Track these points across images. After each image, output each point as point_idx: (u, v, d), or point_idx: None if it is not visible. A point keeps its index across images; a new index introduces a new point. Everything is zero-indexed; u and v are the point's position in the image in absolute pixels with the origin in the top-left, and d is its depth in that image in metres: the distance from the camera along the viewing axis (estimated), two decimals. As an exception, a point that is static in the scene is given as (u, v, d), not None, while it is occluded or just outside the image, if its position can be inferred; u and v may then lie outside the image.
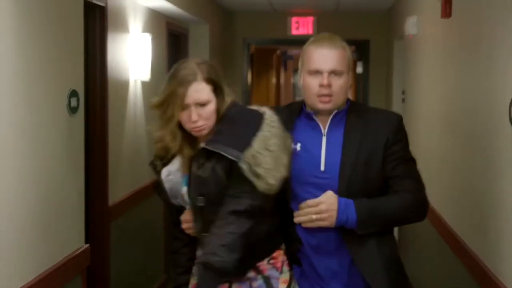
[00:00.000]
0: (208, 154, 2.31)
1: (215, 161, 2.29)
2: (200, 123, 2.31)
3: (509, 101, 2.74)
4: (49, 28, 3.01)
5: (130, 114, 4.87)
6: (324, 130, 2.54)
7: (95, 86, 4.23)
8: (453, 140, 3.95)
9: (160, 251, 5.91)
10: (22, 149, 2.76)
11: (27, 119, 2.81)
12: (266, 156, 2.26)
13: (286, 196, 2.51)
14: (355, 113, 2.55)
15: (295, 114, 2.58)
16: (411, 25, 5.58)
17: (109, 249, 4.41)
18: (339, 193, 2.45)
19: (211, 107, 2.32)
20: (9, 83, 2.64)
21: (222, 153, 2.26)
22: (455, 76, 3.94)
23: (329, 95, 2.48)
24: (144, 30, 5.15)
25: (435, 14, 4.40)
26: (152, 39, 5.21)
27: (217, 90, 2.34)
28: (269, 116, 2.35)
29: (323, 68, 2.47)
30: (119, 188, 4.61)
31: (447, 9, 4.04)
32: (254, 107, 2.42)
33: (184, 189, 2.44)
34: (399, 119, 2.56)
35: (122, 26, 4.72)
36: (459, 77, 3.83)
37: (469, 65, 3.58)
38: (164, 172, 2.47)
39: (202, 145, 2.34)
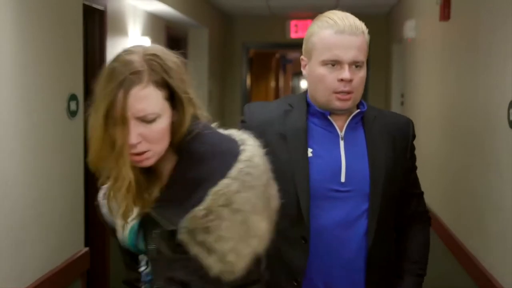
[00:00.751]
0: None
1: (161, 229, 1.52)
2: (142, 147, 1.47)
3: (508, 103, 2.75)
4: (48, 32, 3.02)
5: (129, 117, 4.87)
6: (342, 133, 2.07)
7: (95, 90, 4.23)
8: (453, 143, 3.96)
9: (159, 255, 5.90)
10: (21, 153, 2.76)
11: (26, 123, 2.81)
12: (225, 219, 1.44)
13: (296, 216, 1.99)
14: (369, 115, 2.12)
15: (303, 112, 2.09)
16: (409, 29, 5.59)
17: (108, 253, 4.40)
18: (371, 212, 2.03)
19: (161, 125, 1.48)
20: (8, 87, 2.64)
21: (157, 219, 1.49)
22: (454, 79, 3.95)
23: (350, 92, 2.01)
24: (144, 34, 5.16)
25: (434, 18, 4.40)
26: (152, 42, 5.21)
27: (175, 98, 1.50)
28: (250, 149, 1.54)
29: (344, 59, 1.99)
30: (118, 192, 4.61)
31: (445, 12, 4.04)
32: (234, 132, 1.63)
33: (119, 223, 1.63)
34: (413, 126, 2.19)
35: (122, 30, 4.72)
36: (458, 80, 3.83)
37: (467, 68, 3.59)
38: (102, 190, 1.66)
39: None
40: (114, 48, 4.51)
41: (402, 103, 6.71)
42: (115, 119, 1.45)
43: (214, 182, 1.45)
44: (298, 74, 20.84)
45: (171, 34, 6.21)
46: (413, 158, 2.19)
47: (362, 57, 2.02)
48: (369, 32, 2.08)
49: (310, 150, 2.04)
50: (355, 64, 2.01)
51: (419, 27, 5.40)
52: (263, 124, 2.06)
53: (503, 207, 2.84)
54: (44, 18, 2.97)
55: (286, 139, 2.05)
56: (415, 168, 2.21)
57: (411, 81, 5.89)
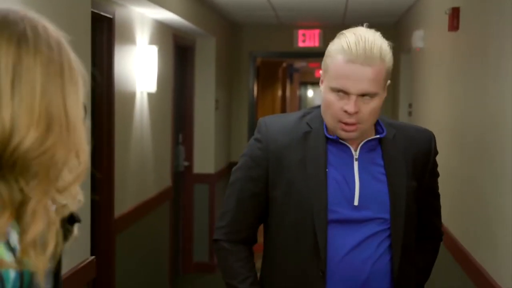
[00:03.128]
0: None
1: None
2: None
3: (518, 114, 2.73)
4: (56, 40, 3.02)
5: (136, 125, 4.86)
6: (356, 153, 1.96)
7: (102, 98, 4.23)
8: (461, 153, 3.93)
9: (165, 264, 5.88)
10: (28, 161, 2.75)
11: (34, 131, 2.80)
12: None
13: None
14: (388, 133, 2.00)
15: (322, 135, 1.97)
16: (418, 39, 5.58)
17: (114, 262, 4.39)
18: (394, 242, 1.94)
19: None
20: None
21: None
22: (463, 89, 3.93)
23: (355, 124, 1.90)
24: (151, 42, 5.16)
25: (442, 28, 4.39)
26: (159, 51, 5.21)
27: None
28: None
29: (351, 91, 1.86)
30: (124, 200, 4.60)
31: (454, 23, 4.03)
32: None
33: None
34: (435, 141, 2.09)
35: (129, 38, 4.72)
36: (467, 90, 3.81)
37: (476, 78, 3.57)
38: None
39: None
40: (121, 56, 4.51)
41: (410, 113, 6.69)
42: None
43: None
44: (305, 83, 20.85)
45: (178, 43, 6.21)
46: (435, 175, 2.10)
47: (374, 88, 1.86)
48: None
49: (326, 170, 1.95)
50: (365, 95, 1.88)
51: (428, 37, 5.38)
52: (281, 149, 1.98)
53: (512, 218, 2.82)
54: (53, 25, 2.96)
55: (305, 164, 1.96)
56: (436, 183, 2.12)
57: (419, 91, 5.88)
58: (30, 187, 1.07)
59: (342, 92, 1.88)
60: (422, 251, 2.15)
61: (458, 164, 4.01)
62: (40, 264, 1.09)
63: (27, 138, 1.04)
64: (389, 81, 1.98)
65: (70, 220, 1.28)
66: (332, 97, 1.90)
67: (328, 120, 1.94)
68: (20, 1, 2.61)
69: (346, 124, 1.89)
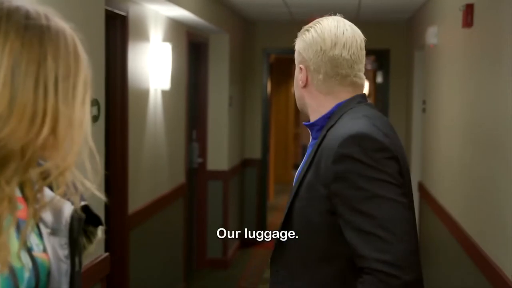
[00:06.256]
0: None
1: None
2: None
3: (532, 111, 2.72)
4: (70, 37, 3.03)
5: (150, 123, 4.88)
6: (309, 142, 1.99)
7: (116, 95, 4.25)
8: (475, 150, 3.92)
9: (179, 260, 5.91)
10: (43, 157, 2.77)
11: (48, 128, 2.81)
12: None
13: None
14: (328, 126, 1.87)
15: None
16: (431, 35, 5.56)
17: (128, 258, 4.42)
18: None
19: None
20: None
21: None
22: (476, 86, 3.92)
23: None
24: (165, 40, 5.18)
25: (456, 24, 4.37)
26: (173, 48, 5.23)
27: None
28: None
29: None
30: (138, 197, 4.62)
31: (468, 19, 4.01)
32: None
33: None
34: (345, 143, 1.75)
35: (143, 35, 4.74)
36: (480, 87, 3.80)
37: (490, 75, 3.56)
38: None
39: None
40: (135, 53, 4.53)
41: (423, 110, 6.67)
42: None
43: None
44: (319, 80, 20.74)
45: (192, 40, 6.23)
46: (342, 179, 1.72)
47: (296, 59, 2.11)
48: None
49: None
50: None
51: (441, 34, 5.36)
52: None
53: (526, 215, 2.81)
54: (67, 23, 2.98)
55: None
56: (346, 191, 1.72)
57: (433, 87, 5.86)
58: None
59: None
60: None
61: (471, 161, 4.00)
62: None
63: None
64: (301, 65, 2.08)
65: (95, 223, 1.32)
66: None
67: None
68: (34, -1, 2.63)
69: None
